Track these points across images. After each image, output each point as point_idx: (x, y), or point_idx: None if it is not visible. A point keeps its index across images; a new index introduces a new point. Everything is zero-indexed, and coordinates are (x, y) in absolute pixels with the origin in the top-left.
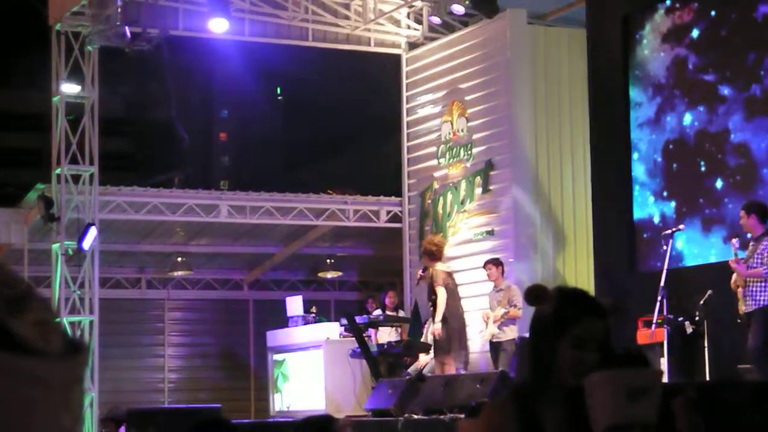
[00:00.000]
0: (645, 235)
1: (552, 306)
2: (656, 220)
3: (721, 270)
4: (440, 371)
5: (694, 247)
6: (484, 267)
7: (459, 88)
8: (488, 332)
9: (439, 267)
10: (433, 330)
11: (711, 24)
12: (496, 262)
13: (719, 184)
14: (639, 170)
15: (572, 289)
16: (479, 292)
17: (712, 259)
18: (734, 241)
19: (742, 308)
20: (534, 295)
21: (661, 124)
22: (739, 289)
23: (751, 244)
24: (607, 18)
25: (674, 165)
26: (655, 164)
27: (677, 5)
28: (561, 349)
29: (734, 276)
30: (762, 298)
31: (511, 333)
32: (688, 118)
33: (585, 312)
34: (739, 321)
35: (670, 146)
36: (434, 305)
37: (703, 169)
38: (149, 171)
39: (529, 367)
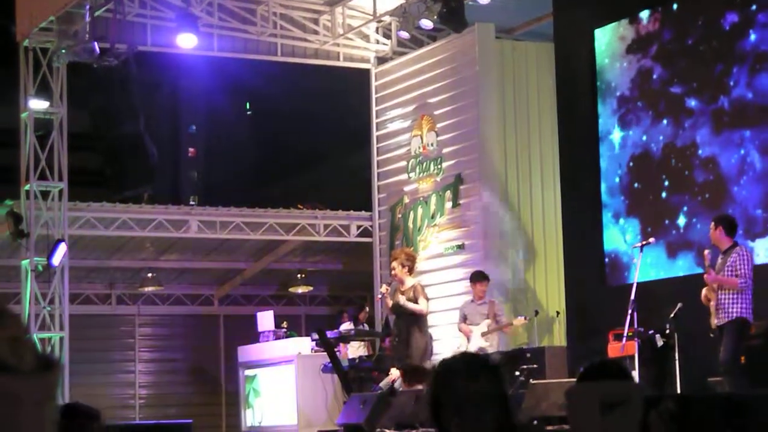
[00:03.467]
0: (606, 260)
1: (429, 386)
2: (617, 244)
3: (691, 283)
4: (407, 386)
5: (660, 270)
6: (472, 282)
7: (428, 103)
8: (475, 345)
9: (415, 281)
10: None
11: (676, 33)
12: (485, 277)
13: (686, 203)
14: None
15: (448, 362)
16: (449, 306)
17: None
18: (706, 253)
19: (714, 321)
20: (412, 374)
21: (625, 138)
22: (711, 303)
23: (720, 257)
24: (574, 32)
25: (637, 183)
26: (617, 181)
27: (642, 14)
28: (444, 419)
29: (704, 290)
30: (733, 310)
31: (495, 344)
32: (653, 132)
33: (452, 378)
34: (711, 335)
35: (634, 162)
36: (409, 316)
37: (667, 187)
38: (118, 186)
39: None
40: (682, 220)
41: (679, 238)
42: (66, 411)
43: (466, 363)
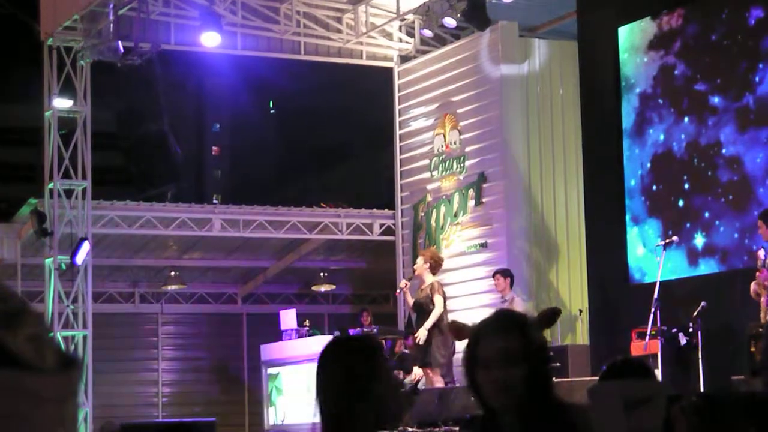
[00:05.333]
0: (629, 259)
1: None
2: (636, 247)
3: (715, 281)
4: (428, 384)
5: (682, 275)
6: (493, 277)
7: (451, 101)
8: None
9: (434, 279)
10: (417, 334)
11: (700, 29)
12: (505, 273)
13: (709, 204)
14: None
15: (485, 319)
16: (472, 304)
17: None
18: (760, 252)
19: (765, 317)
20: (456, 330)
21: (646, 137)
22: (762, 298)
23: None
24: (597, 30)
25: (660, 183)
26: (638, 182)
27: (665, 10)
28: (477, 376)
29: (753, 284)
30: None
31: None
32: (676, 131)
33: (483, 334)
34: (760, 330)
35: (655, 162)
36: (428, 315)
37: (690, 187)
38: (142, 185)
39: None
40: (704, 223)
41: (701, 242)
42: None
43: (497, 320)
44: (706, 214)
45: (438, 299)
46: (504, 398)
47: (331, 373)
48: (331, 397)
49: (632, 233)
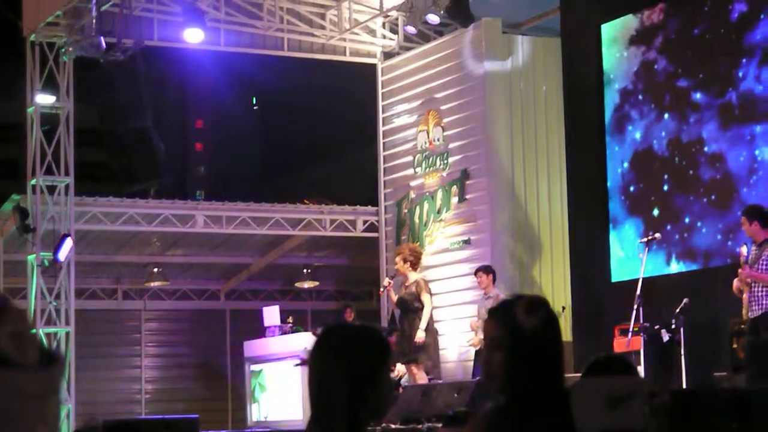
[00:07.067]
0: (612, 256)
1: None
2: (616, 247)
3: (697, 278)
4: (412, 380)
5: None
6: (475, 274)
7: (435, 98)
8: (477, 339)
9: (418, 276)
10: (417, 338)
11: (682, 24)
12: (487, 270)
13: (690, 204)
14: None
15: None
16: (456, 301)
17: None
18: (743, 249)
19: (747, 314)
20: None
21: (625, 134)
22: (744, 295)
23: (754, 249)
24: (581, 27)
25: (640, 182)
26: (618, 180)
27: (646, 4)
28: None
29: (736, 281)
30: (766, 302)
31: None
32: (656, 128)
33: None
34: (742, 326)
35: (636, 160)
36: (413, 312)
37: (671, 186)
38: (125, 181)
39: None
40: (686, 223)
41: (682, 243)
42: None
43: (495, 305)
44: (688, 214)
45: (426, 298)
46: (490, 383)
47: (332, 367)
48: (332, 392)
49: (613, 234)
